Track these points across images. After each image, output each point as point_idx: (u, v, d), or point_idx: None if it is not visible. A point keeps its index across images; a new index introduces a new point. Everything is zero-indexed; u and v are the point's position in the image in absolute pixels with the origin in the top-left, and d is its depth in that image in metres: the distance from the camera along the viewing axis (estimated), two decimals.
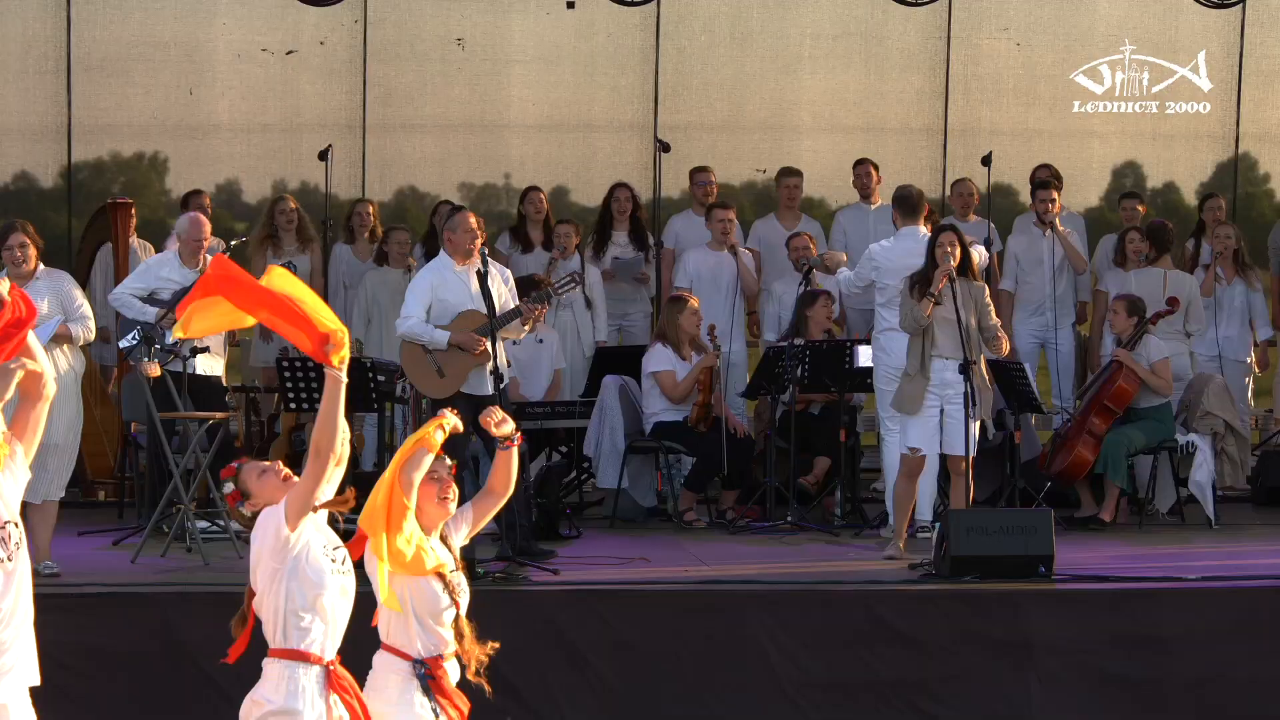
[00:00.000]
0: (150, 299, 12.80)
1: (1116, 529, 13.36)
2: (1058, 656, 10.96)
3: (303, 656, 6.93)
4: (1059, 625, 11.04)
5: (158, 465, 12.45)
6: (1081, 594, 11.25)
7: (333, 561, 6.96)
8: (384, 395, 13.03)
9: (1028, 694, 10.91)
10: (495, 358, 11.91)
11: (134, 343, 12.60)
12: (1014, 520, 11.69)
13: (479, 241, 12.08)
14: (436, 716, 7.09)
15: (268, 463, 7.16)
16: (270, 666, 6.99)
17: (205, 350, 12.72)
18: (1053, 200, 14.69)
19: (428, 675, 7.11)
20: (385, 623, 7.15)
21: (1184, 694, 10.96)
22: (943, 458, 12.32)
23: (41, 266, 11.63)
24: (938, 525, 11.87)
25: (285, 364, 13.14)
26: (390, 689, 7.10)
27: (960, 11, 16.82)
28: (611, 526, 13.46)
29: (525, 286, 12.83)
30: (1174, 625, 11.07)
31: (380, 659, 7.15)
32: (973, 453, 12.08)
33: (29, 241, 11.64)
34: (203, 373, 12.83)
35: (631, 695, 10.79)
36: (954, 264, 12.00)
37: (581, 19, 16.71)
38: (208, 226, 13.13)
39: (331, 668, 7.01)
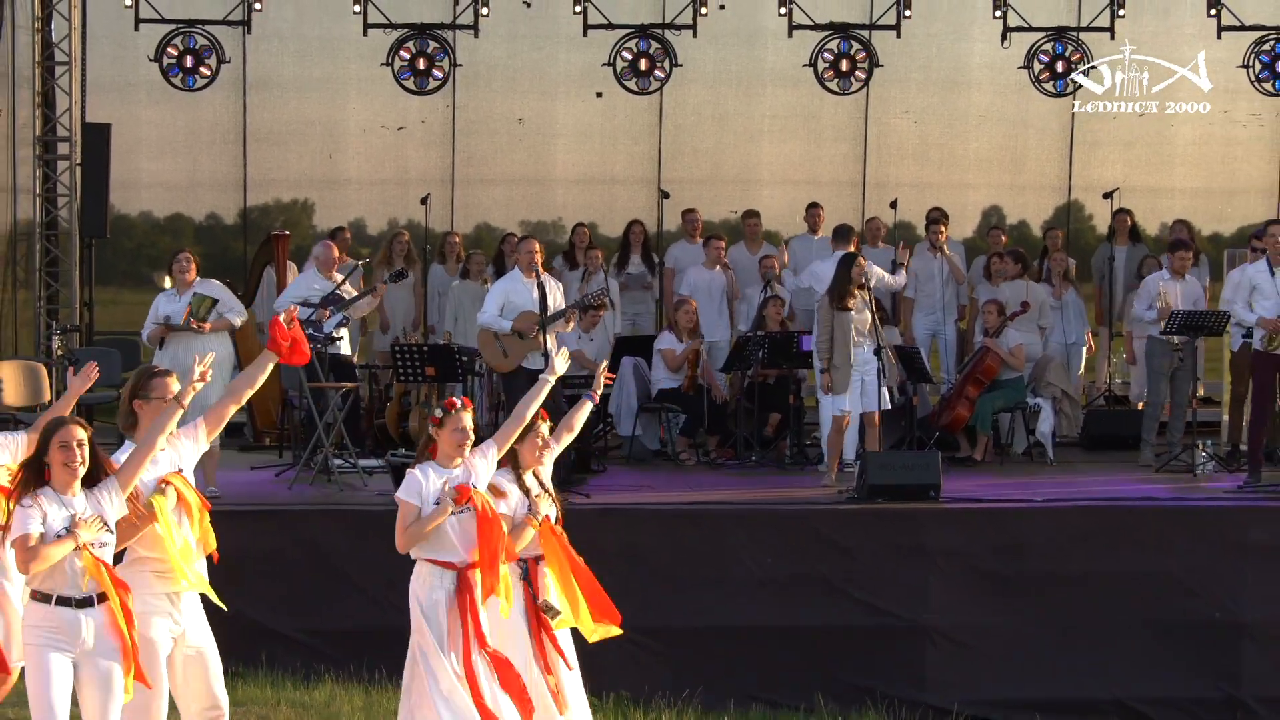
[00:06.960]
0: (304, 303, 12.65)
1: (985, 466, 13.11)
2: (946, 557, 10.77)
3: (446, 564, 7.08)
4: (946, 535, 10.84)
5: (309, 420, 12.30)
6: (961, 512, 11.03)
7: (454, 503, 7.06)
8: (467, 370, 12.85)
9: (926, 585, 10.73)
10: (545, 345, 11.80)
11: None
12: (912, 459, 11.53)
13: (537, 259, 11.99)
14: None
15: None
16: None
17: (342, 339, 12.62)
18: (940, 232, 14.48)
19: None
20: None
21: (1037, 584, 10.78)
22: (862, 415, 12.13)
23: (197, 278, 11.67)
24: (859, 462, 11.71)
25: (397, 349, 12.94)
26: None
27: (875, 100, 16.58)
28: (627, 463, 13.27)
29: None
30: (1027, 535, 10.88)
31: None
32: (882, 409, 11.96)
33: (191, 259, 11.84)
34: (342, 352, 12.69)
35: (642, 585, 10.57)
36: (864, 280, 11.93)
37: (607, 105, 16.49)
38: (335, 249, 13.10)
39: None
